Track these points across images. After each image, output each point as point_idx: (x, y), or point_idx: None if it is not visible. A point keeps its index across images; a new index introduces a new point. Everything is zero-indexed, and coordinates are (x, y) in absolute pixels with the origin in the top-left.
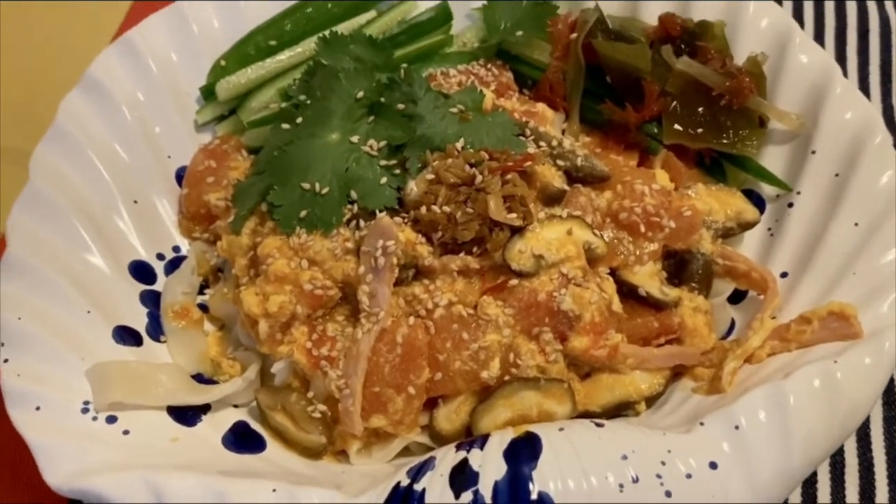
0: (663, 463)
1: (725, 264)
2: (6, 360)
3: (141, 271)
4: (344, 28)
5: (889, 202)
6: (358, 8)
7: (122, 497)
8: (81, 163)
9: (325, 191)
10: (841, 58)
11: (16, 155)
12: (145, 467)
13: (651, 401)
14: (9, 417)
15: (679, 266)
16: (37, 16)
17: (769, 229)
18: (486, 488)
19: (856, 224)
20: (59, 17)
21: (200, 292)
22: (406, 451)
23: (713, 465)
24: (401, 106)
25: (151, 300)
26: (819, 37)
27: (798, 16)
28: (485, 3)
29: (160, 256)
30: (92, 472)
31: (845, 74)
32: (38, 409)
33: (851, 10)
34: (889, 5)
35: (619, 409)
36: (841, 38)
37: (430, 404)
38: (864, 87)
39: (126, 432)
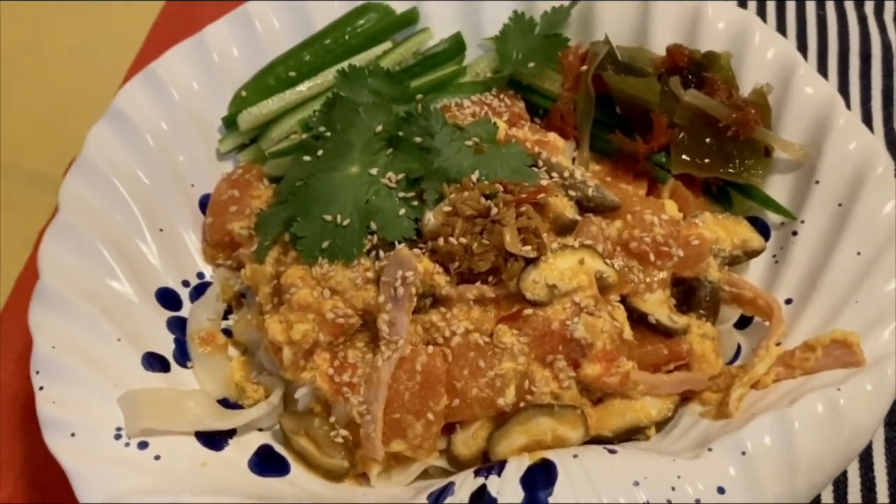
0: (673, 488)
1: (732, 291)
2: (41, 388)
3: (167, 298)
4: (360, 59)
5: (890, 233)
6: (374, 39)
7: None
8: (108, 193)
9: (346, 222)
10: (844, 82)
11: (42, 180)
12: (176, 492)
13: (661, 425)
14: (13, 423)
15: (687, 293)
16: (59, 43)
17: (774, 256)
18: None
19: (858, 253)
20: (80, 42)
21: (224, 317)
22: (425, 475)
23: (721, 490)
24: (418, 139)
25: (178, 326)
26: (822, 60)
27: (802, 40)
28: (497, 34)
29: (185, 283)
30: (126, 497)
31: (848, 98)
32: (73, 435)
33: (854, 34)
34: (891, 31)
35: (630, 434)
36: (843, 62)
37: (448, 429)
38: (867, 110)
39: (157, 457)
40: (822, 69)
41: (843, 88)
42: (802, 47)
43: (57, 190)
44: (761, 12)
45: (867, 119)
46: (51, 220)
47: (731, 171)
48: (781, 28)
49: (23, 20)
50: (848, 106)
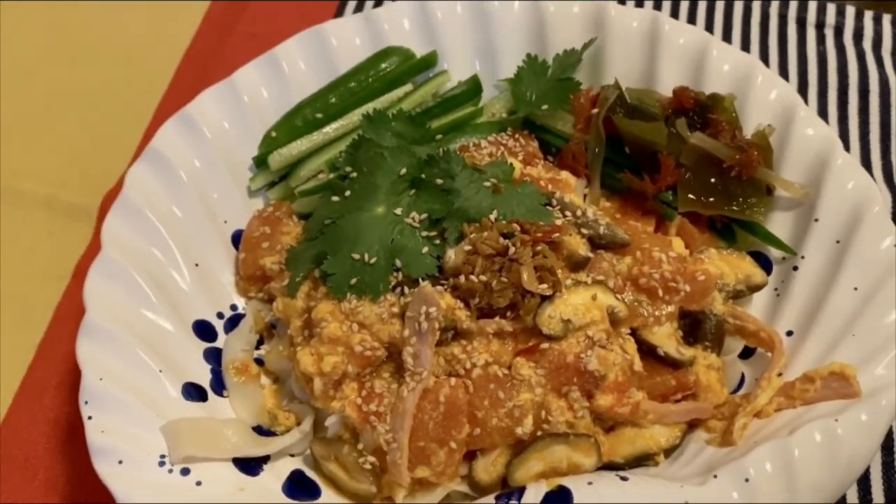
0: None
1: (736, 324)
2: (90, 417)
3: (203, 330)
4: (383, 101)
5: (886, 269)
6: (396, 82)
7: None
8: (147, 230)
9: (372, 260)
10: (843, 116)
11: (78, 212)
12: None
13: (669, 452)
14: (55, 446)
15: (694, 326)
16: (90, 84)
17: (776, 290)
18: None
19: (855, 288)
20: (110, 81)
21: (256, 347)
22: (447, 499)
23: None
24: (439, 181)
25: (214, 357)
26: (823, 96)
27: (803, 76)
28: (512, 76)
29: (220, 315)
30: None
31: (847, 132)
32: (120, 462)
33: (853, 70)
34: (888, 66)
35: (640, 461)
36: (843, 97)
37: (469, 456)
38: (865, 144)
39: (199, 483)
40: (823, 104)
41: (843, 123)
42: (804, 83)
43: (92, 220)
44: (763, 50)
45: (865, 152)
46: (88, 251)
47: (734, 208)
48: (784, 64)
49: (59, 65)
50: (847, 139)
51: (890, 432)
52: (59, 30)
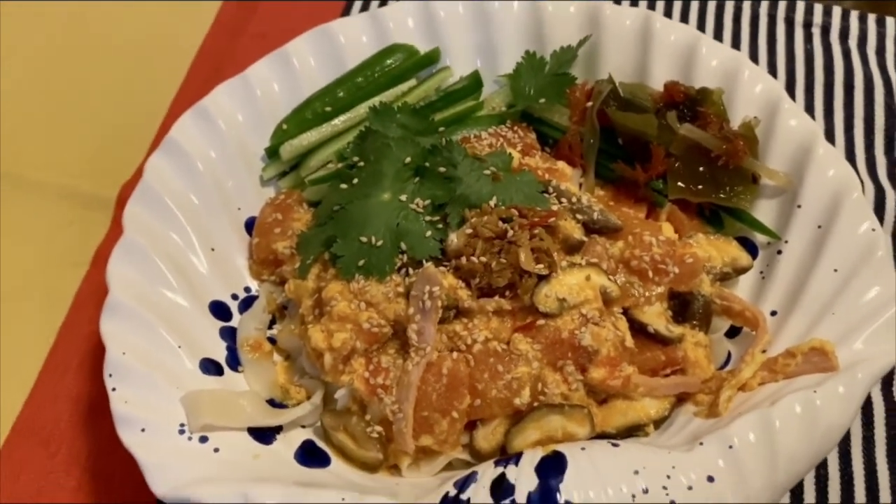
0: (668, 476)
1: (723, 304)
2: (114, 389)
3: (219, 310)
4: (389, 95)
5: (864, 252)
6: (400, 77)
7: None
8: (166, 216)
9: (379, 243)
10: (829, 111)
11: (96, 202)
12: (235, 480)
13: (658, 423)
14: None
15: (682, 306)
16: (106, 80)
17: (761, 273)
18: (521, 498)
19: (835, 270)
20: (125, 79)
21: (269, 327)
22: (449, 466)
23: (710, 479)
24: (442, 169)
25: (229, 335)
26: (810, 92)
27: (791, 73)
28: (511, 71)
29: (234, 296)
30: (192, 485)
31: (832, 126)
32: (143, 430)
33: (838, 67)
34: (872, 63)
35: (631, 431)
36: (829, 93)
37: (470, 426)
38: (850, 137)
39: (216, 450)
40: (810, 100)
41: (829, 118)
42: (791, 80)
43: (110, 210)
44: (753, 48)
45: (850, 145)
46: (106, 239)
47: (722, 196)
48: (773, 62)
49: (78, 66)
50: (833, 133)
51: (869, 407)
52: (78, 31)
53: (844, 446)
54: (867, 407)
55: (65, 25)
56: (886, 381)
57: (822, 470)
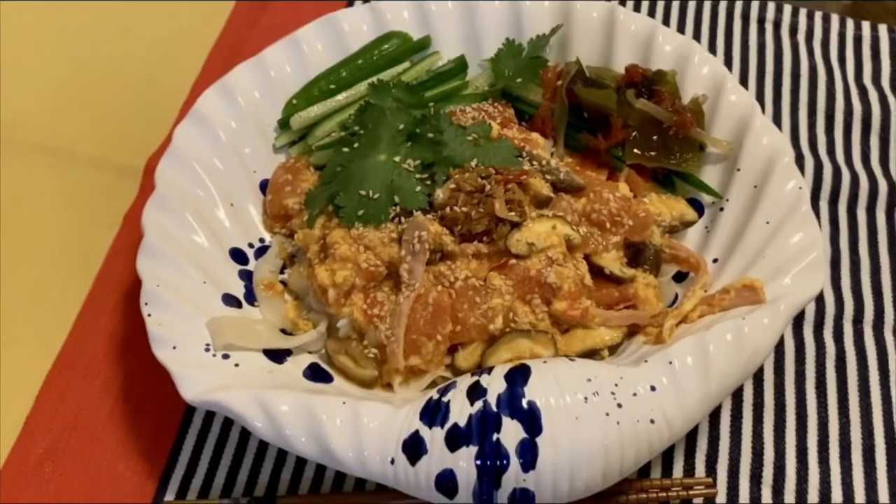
0: (616, 384)
1: (671, 252)
2: (149, 315)
3: (237, 255)
4: (386, 75)
5: (791, 205)
6: (396, 60)
7: (239, 406)
8: (192, 175)
9: (376, 196)
10: (777, 96)
11: (125, 171)
12: (252, 387)
13: (613, 349)
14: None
15: (636, 253)
16: (133, 60)
17: (706, 227)
18: (492, 398)
19: (767, 222)
20: (150, 58)
21: (281, 272)
22: (433, 385)
23: (653, 388)
24: (431, 135)
25: (246, 276)
26: (761, 78)
27: (745, 62)
28: (493, 56)
29: (251, 245)
30: (215, 391)
31: (780, 109)
32: (174, 348)
33: (787, 57)
34: (817, 55)
35: (589, 355)
36: (778, 80)
37: (452, 350)
38: (795, 119)
39: (236, 365)
40: (761, 86)
41: (777, 102)
42: (745, 68)
43: (138, 178)
44: (712, 40)
45: (794, 125)
46: (135, 203)
47: (672, 162)
48: (729, 53)
49: (107, 54)
50: (780, 115)
51: (803, 347)
52: (110, 25)
53: (779, 379)
54: (800, 347)
55: (99, 19)
56: (818, 325)
57: (758, 398)
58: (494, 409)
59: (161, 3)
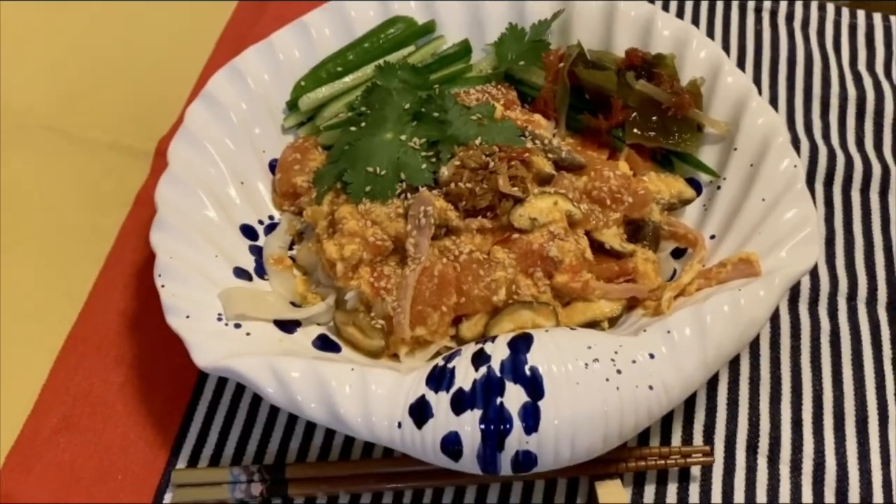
0: (616, 352)
1: (670, 229)
2: (163, 286)
3: (248, 231)
4: (392, 58)
5: (786, 183)
6: (401, 44)
7: (251, 372)
8: (203, 153)
9: (382, 173)
10: (774, 83)
11: (136, 153)
12: (264, 354)
13: (613, 321)
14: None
15: (635, 230)
16: (144, 45)
17: (704, 205)
18: (495, 364)
19: (763, 199)
20: (162, 44)
21: (290, 248)
22: (438, 355)
23: (652, 356)
24: (436, 115)
25: (256, 251)
26: (758, 65)
27: (742, 49)
28: (496, 40)
29: (260, 222)
30: (227, 357)
31: (777, 94)
32: (187, 317)
33: (783, 45)
34: (813, 42)
35: (590, 327)
36: (774, 67)
37: (457, 320)
38: (791, 104)
39: (248, 334)
40: (758, 73)
41: (773, 88)
42: (742, 55)
43: (149, 160)
44: (710, 28)
45: (791, 110)
46: (146, 183)
47: (671, 142)
48: (726, 40)
49: (118, 42)
50: (777, 100)
51: (798, 322)
52: (121, 14)
53: (775, 354)
54: (795, 323)
55: (111, 5)
56: (813, 302)
57: (755, 372)
58: (498, 374)
59: None
